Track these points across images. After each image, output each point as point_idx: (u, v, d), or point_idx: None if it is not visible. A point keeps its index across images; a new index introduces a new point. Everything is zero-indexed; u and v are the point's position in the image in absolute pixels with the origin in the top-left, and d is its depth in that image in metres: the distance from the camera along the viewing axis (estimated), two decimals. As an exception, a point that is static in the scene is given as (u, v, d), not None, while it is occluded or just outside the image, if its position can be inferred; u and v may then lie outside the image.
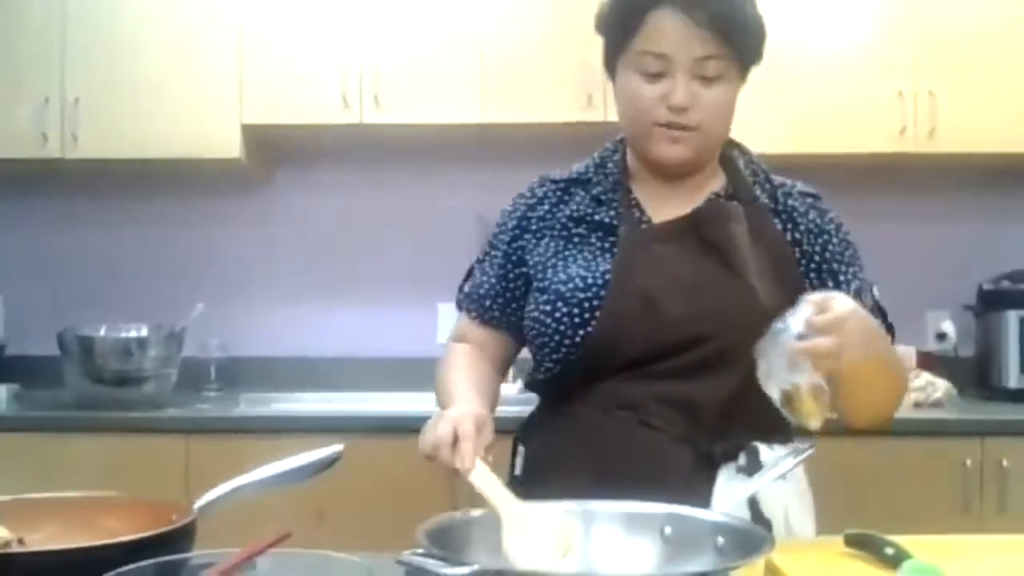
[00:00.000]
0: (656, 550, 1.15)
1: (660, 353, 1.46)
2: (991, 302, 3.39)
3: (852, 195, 3.54)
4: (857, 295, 1.52)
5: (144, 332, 3.13)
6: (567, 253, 1.56)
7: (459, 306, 1.71)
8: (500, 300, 1.64)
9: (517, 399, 3.39)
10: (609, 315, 1.47)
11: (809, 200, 1.60)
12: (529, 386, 1.64)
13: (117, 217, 3.70)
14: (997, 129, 3.21)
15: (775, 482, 1.45)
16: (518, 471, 1.58)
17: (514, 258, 1.62)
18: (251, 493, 1.22)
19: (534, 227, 1.61)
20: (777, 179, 1.62)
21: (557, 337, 1.50)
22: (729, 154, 1.63)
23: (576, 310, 1.49)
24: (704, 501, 1.39)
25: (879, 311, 1.56)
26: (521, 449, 1.60)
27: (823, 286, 1.52)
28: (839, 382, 1.34)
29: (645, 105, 1.49)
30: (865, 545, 1.24)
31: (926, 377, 3.09)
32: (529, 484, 1.41)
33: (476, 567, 0.91)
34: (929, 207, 3.64)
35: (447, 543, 1.02)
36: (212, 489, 1.21)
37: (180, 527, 1.09)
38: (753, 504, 1.43)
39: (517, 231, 1.63)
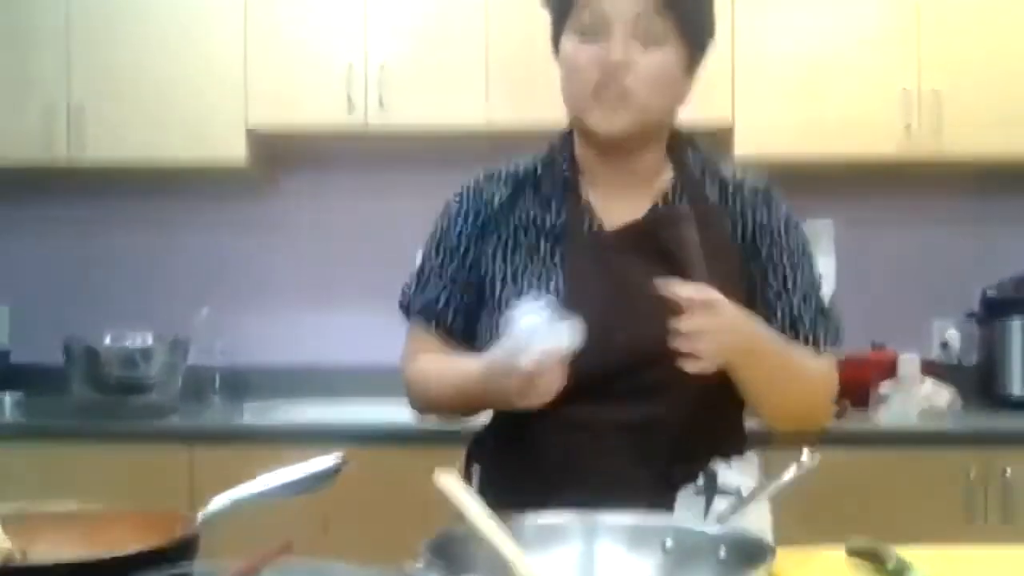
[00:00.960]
0: (658, 563, 1.14)
1: (615, 375, 1.43)
2: (995, 310, 3.36)
3: (856, 200, 3.56)
4: (796, 290, 1.51)
5: (149, 341, 3.14)
6: (516, 262, 1.51)
7: (407, 314, 1.65)
8: (464, 314, 1.57)
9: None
10: None
11: (760, 195, 1.55)
12: None
13: (123, 223, 3.70)
14: (1003, 129, 3.18)
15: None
16: (475, 490, 1.52)
17: (474, 267, 1.56)
18: (254, 504, 1.22)
19: (488, 228, 1.56)
20: (727, 173, 1.57)
21: None
22: (677, 147, 1.57)
23: None
24: None
25: (822, 315, 1.53)
26: (476, 467, 1.56)
27: (763, 289, 1.51)
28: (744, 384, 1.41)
29: (582, 68, 1.45)
30: (867, 556, 1.24)
31: (930, 386, 3.09)
32: (487, 503, 1.38)
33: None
34: (934, 211, 3.61)
35: (450, 556, 1.02)
36: (215, 499, 1.21)
37: (182, 539, 1.09)
38: None
39: (474, 236, 1.56)
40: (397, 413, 3.14)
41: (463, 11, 3.28)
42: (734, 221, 1.52)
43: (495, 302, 1.51)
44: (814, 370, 1.50)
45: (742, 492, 1.46)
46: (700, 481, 1.45)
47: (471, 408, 1.56)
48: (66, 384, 3.14)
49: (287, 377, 3.59)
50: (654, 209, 1.52)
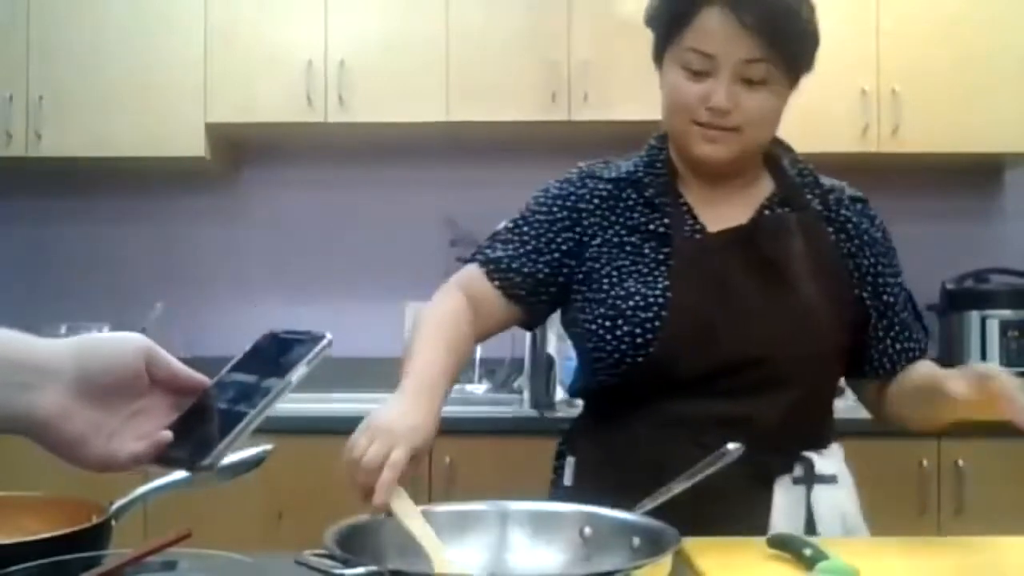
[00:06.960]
0: (572, 550, 1.15)
1: (717, 374, 1.45)
2: (954, 302, 3.40)
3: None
4: (905, 304, 1.59)
5: (104, 332, 3.12)
6: (620, 263, 1.52)
7: (473, 260, 1.59)
8: (531, 281, 1.55)
9: (488, 399, 3.41)
10: (668, 338, 1.45)
11: (859, 206, 1.62)
12: (577, 393, 1.62)
13: (83, 216, 3.69)
14: (960, 128, 3.22)
15: (831, 489, 1.50)
16: (568, 481, 1.56)
17: (564, 248, 1.55)
18: (171, 492, 1.22)
19: (587, 224, 1.55)
20: (826, 182, 1.62)
21: (617, 355, 1.47)
22: (773, 153, 1.60)
23: (638, 330, 1.46)
24: (763, 513, 1.44)
25: (914, 313, 1.61)
26: (570, 459, 1.58)
27: (873, 299, 1.57)
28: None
29: (686, 102, 1.47)
30: (786, 546, 1.24)
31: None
32: (580, 495, 1.39)
33: (372, 568, 0.91)
34: (893, 207, 3.62)
35: (355, 545, 1.02)
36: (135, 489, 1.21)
37: (91, 527, 1.08)
38: (809, 515, 1.47)
39: (568, 222, 1.55)
40: (356, 403, 3.17)
41: (423, 9, 3.28)
42: (838, 231, 1.57)
43: (600, 295, 1.51)
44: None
45: (837, 479, 1.52)
46: (797, 471, 1.48)
47: None
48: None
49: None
50: (759, 215, 1.54)
